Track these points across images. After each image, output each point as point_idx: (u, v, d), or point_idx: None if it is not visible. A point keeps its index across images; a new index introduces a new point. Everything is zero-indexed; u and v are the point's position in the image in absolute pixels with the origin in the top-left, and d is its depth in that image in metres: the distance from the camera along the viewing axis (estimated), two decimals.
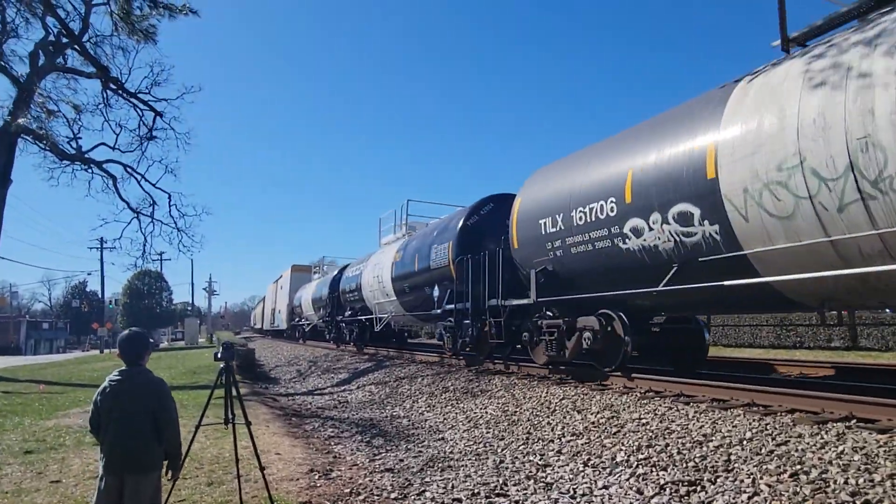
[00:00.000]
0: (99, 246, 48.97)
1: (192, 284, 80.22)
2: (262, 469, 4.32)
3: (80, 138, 23.78)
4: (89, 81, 23.17)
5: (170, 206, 25.43)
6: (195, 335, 52.25)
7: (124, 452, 3.03)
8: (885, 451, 4.08)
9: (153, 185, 25.17)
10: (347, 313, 21.59)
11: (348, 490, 4.99)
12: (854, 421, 4.89)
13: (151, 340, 3.38)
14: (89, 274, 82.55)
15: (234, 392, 4.42)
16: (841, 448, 4.25)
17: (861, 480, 3.74)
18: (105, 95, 23.44)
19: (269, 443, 6.85)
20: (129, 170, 24.46)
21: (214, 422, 4.67)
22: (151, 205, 25.36)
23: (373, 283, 17.87)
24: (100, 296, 58.49)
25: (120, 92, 23.45)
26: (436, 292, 13.15)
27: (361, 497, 4.79)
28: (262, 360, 23.83)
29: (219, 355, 4.34)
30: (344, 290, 22.06)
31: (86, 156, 23.93)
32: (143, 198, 25.41)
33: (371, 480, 5.29)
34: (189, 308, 66.85)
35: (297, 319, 33.22)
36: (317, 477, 5.48)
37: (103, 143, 24.37)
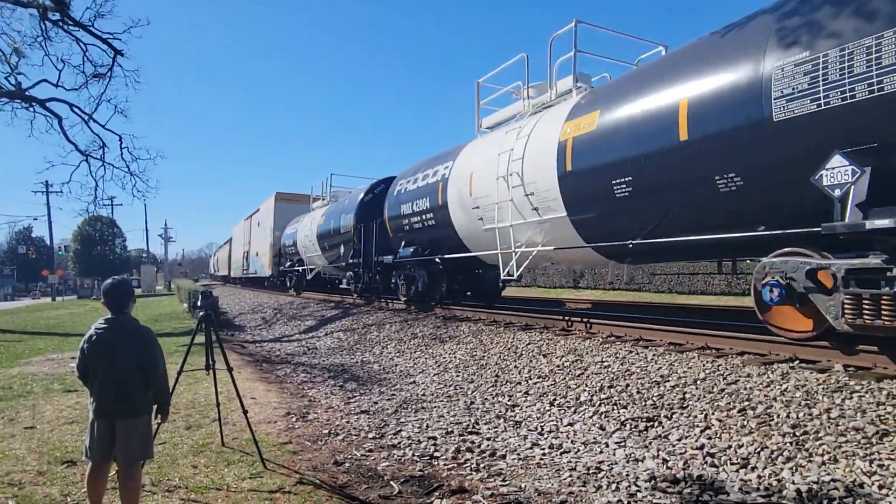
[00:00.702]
0: (45, 190, 46.61)
1: (147, 231, 77.79)
2: (245, 412, 4.44)
3: (19, 73, 22.24)
4: (26, 12, 21.50)
5: (121, 148, 24.27)
6: (152, 283, 51.15)
7: (114, 398, 3.09)
8: (823, 388, 4.49)
9: (102, 126, 23.91)
10: (405, 252, 13.02)
11: (326, 431, 5.19)
12: (797, 362, 5.32)
13: (136, 288, 3.38)
14: (35, 219, 78.92)
15: (213, 338, 4.48)
16: (785, 386, 4.65)
17: (801, 414, 4.14)
18: (44, 27, 21.84)
19: (243, 388, 6.92)
20: (75, 109, 23.15)
21: (195, 368, 4.73)
22: (101, 147, 24.15)
23: (491, 194, 9.58)
24: (47, 242, 56.19)
25: (61, 24, 21.88)
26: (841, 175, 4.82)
27: (340, 437, 5.00)
28: (225, 307, 23.65)
29: (199, 303, 4.36)
30: (398, 215, 13.37)
31: (26, 93, 22.48)
32: (93, 140, 24.19)
33: (348, 422, 5.50)
34: (144, 255, 65.07)
35: (287, 264, 24.90)
36: (294, 419, 5.66)
37: (45, 80, 22.90)
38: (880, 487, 3.17)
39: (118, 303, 3.21)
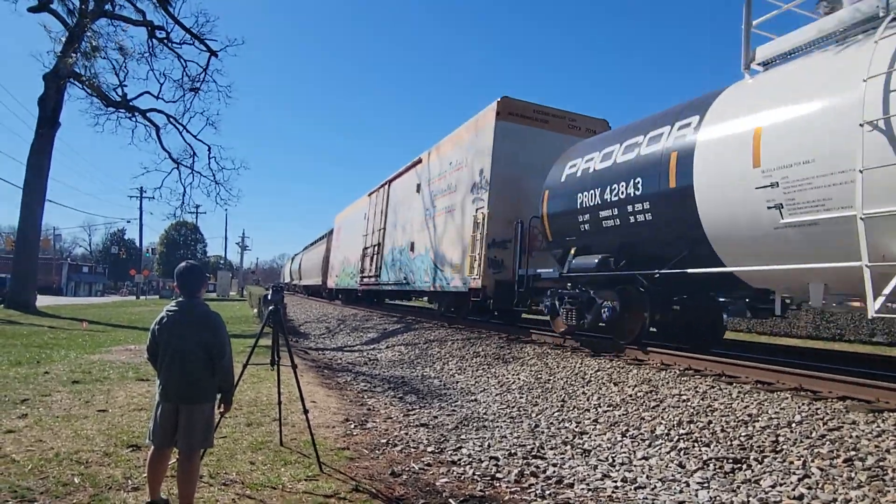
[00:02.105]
0: (139, 195, 50.23)
1: (226, 238, 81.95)
2: (305, 412, 4.37)
3: (125, 86, 24.21)
4: (136, 30, 23.42)
5: (209, 158, 25.95)
6: (227, 288, 53.57)
7: (180, 382, 3.06)
8: None
9: (194, 136, 25.63)
10: None
11: (385, 441, 5.03)
12: None
13: (210, 292, 3.41)
14: (128, 222, 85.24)
15: (280, 337, 4.45)
16: None
17: None
18: (151, 44, 23.68)
19: (304, 391, 6.94)
20: (171, 119, 24.88)
21: (260, 362, 4.72)
22: (192, 156, 25.90)
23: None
24: (137, 244, 60.35)
25: (166, 42, 23.62)
26: None
27: (398, 448, 4.83)
28: (291, 315, 24.30)
29: (269, 297, 4.35)
30: None
31: (130, 103, 24.37)
32: (184, 148, 25.97)
33: (406, 434, 5.32)
34: (222, 262, 68.43)
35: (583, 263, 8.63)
36: (352, 426, 5.55)
37: (147, 93, 24.77)
38: None
39: (190, 286, 3.21)
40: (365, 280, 20.71)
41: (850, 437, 4.25)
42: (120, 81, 23.76)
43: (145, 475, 3.30)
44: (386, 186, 19.30)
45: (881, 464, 3.77)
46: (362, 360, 11.05)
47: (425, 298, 18.53)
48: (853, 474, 3.70)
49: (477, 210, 11.99)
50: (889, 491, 3.43)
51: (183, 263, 3.32)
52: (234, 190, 26.51)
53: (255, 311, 24.02)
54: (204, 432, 3.14)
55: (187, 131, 25.25)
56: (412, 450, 4.81)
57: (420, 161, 16.16)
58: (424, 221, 15.15)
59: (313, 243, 40.31)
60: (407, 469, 4.27)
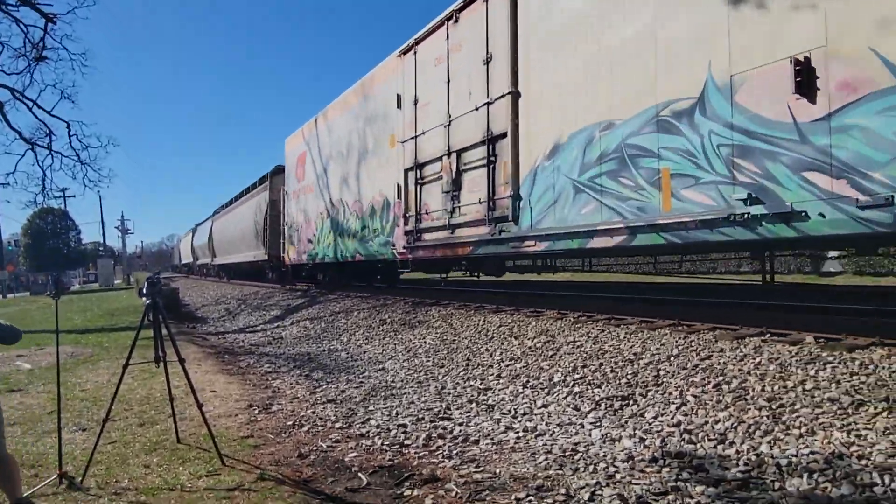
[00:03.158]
0: None
1: (103, 223, 74.05)
2: (199, 405, 4.15)
3: None
4: None
5: (69, 136, 23.23)
6: (110, 277, 49.40)
7: None
8: (796, 360, 4.45)
9: (48, 112, 22.78)
10: None
11: (291, 422, 4.93)
12: (769, 335, 5.29)
13: (63, 282, 3.05)
14: None
15: (163, 330, 4.15)
16: (758, 360, 4.60)
17: (776, 387, 4.08)
18: None
19: (202, 381, 6.63)
20: (16, 94, 21.93)
21: (143, 361, 4.40)
22: (48, 135, 23.07)
23: None
24: None
25: None
26: None
27: (305, 429, 4.75)
28: (186, 299, 22.94)
29: (143, 291, 4.01)
30: None
31: None
32: (38, 127, 23.04)
33: (314, 412, 5.25)
34: (101, 249, 62.71)
35: None
36: (256, 412, 5.38)
37: None
38: (859, 458, 3.10)
39: None
40: (437, 236, 9.47)
41: (719, 363, 4.74)
42: None
43: None
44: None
45: (744, 385, 4.24)
46: (266, 340, 10.70)
47: None
48: (721, 397, 4.14)
49: None
50: (750, 409, 3.88)
51: None
52: (104, 170, 23.94)
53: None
54: None
55: (38, 107, 22.35)
56: (319, 428, 4.76)
57: None
58: None
59: (235, 200, 28.64)
60: (315, 449, 4.22)
